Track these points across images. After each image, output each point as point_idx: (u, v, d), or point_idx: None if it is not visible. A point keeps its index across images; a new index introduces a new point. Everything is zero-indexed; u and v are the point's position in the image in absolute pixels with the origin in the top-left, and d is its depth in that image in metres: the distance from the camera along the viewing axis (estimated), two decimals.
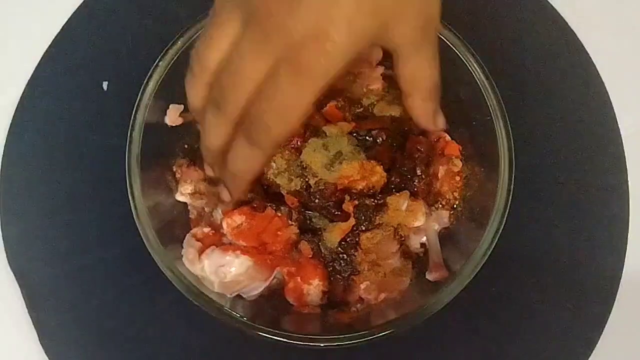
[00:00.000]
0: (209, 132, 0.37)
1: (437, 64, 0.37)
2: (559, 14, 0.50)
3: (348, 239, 0.40)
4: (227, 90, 0.35)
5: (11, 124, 0.48)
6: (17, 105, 0.48)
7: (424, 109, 0.39)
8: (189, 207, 0.44)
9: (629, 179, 0.47)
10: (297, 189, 0.40)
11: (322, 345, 0.37)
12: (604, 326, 0.44)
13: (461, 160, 0.43)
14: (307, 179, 0.40)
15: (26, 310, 0.45)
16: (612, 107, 0.48)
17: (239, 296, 0.40)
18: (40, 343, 0.44)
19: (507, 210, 0.38)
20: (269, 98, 0.34)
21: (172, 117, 0.42)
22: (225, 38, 0.34)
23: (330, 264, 0.40)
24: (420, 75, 0.37)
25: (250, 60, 0.33)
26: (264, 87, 0.34)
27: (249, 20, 0.33)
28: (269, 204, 0.41)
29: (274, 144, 0.36)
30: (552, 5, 0.50)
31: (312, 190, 0.40)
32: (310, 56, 0.32)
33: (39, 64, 0.49)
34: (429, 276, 0.40)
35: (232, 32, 0.34)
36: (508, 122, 0.39)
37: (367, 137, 0.41)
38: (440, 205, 0.43)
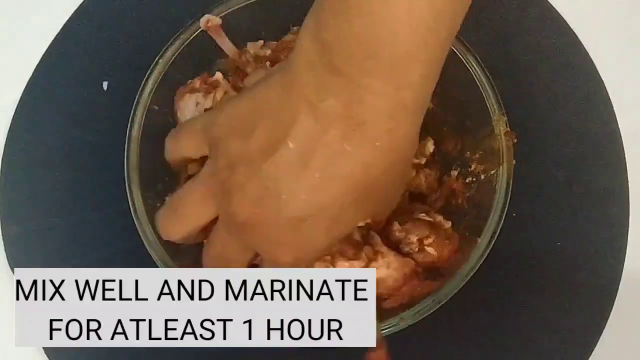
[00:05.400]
0: None
1: None
2: (559, 14, 0.50)
3: None
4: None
5: (11, 124, 0.48)
6: (17, 105, 0.48)
7: None
8: None
9: (629, 179, 0.46)
10: None
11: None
12: (604, 326, 0.44)
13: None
14: None
15: None
16: (612, 107, 0.48)
17: None
18: None
19: (506, 210, 0.38)
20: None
21: None
22: (201, 219, 0.36)
23: None
24: None
25: (235, 253, 0.36)
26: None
27: (227, 218, 0.34)
28: None
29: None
30: (552, 5, 0.50)
31: None
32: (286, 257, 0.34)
33: (38, 64, 0.49)
34: None
35: (207, 215, 0.36)
36: (507, 122, 0.39)
37: None
38: None
